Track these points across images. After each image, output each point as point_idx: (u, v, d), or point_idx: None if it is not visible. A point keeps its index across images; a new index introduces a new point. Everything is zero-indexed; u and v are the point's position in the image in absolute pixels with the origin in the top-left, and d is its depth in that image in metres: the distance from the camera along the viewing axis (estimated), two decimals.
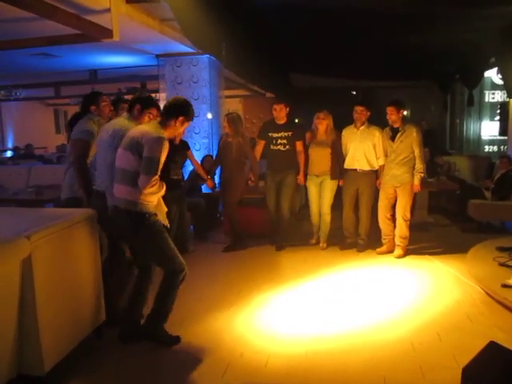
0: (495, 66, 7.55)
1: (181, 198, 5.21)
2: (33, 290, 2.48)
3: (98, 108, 3.67)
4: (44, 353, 2.55)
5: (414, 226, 5.96)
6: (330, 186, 5.35)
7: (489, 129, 10.53)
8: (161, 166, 2.94)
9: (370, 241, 5.41)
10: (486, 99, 10.56)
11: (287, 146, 5.34)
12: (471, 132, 10.92)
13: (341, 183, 5.38)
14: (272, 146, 5.39)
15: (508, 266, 4.24)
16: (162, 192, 3.07)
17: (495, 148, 10.44)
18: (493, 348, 2.15)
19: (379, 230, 5.33)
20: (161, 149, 2.92)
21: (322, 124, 5.30)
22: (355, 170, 5.29)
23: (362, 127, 5.26)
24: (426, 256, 5.18)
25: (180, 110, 3.09)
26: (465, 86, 8.49)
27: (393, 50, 6.47)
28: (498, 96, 10.36)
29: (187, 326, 3.46)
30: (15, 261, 2.41)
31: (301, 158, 5.38)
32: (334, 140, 5.33)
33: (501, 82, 8.78)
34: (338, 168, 5.31)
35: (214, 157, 5.74)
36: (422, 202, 6.73)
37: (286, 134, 5.34)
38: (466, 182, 7.29)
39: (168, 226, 3.25)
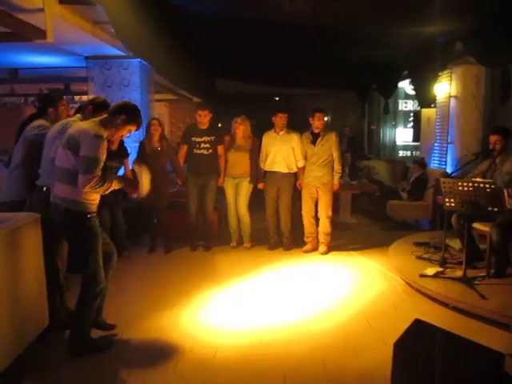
0: (408, 78, 8.24)
1: (114, 201, 5.19)
2: None
3: (55, 111, 3.60)
4: None
5: (339, 226, 6.41)
6: (245, 188, 5.61)
7: (402, 135, 11.44)
8: (101, 164, 2.88)
9: (295, 239, 5.73)
10: (400, 108, 11.47)
11: (210, 150, 5.52)
12: (387, 138, 11.78)
13: (260, 186, 5.67)
14: (195, 150, 5.53)
15: (424, 259, 4.78)
16: (110, 189, 3.03)
17: (408, 153, 11.36)
18: (418, 324, 2.49)
19: (301, 229, 5.66)
20: (98, 147, 2.87)
21: (239, 129, 5.56)
22: (275, 172, 5.60)
23: (282, 132, 5.60)
24: (351, 252, 5.60)
25: (126, 110, 3.08)
26: (381, 95, 9.14)
27: (315, 61, 6.84)
28: (410, 105, 11.31)
29: (134, 325, 3.51)
30: None
31: (221, 162, 5.60)
32: (251, 145, 5.60)
33: (413, 93, 9.57)
34: (255, 172, 5.59)
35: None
36: (345, 204, 7.22)
37: (209, 138, 5.52)
38: (384, 184, 7.91)
39: None
